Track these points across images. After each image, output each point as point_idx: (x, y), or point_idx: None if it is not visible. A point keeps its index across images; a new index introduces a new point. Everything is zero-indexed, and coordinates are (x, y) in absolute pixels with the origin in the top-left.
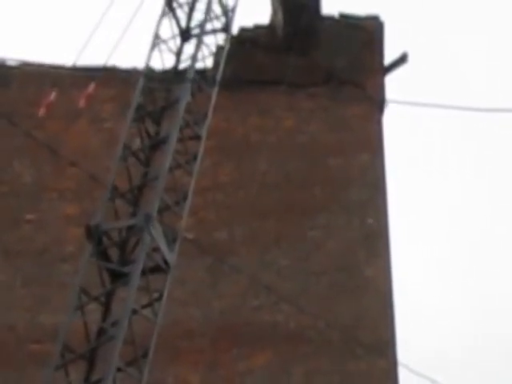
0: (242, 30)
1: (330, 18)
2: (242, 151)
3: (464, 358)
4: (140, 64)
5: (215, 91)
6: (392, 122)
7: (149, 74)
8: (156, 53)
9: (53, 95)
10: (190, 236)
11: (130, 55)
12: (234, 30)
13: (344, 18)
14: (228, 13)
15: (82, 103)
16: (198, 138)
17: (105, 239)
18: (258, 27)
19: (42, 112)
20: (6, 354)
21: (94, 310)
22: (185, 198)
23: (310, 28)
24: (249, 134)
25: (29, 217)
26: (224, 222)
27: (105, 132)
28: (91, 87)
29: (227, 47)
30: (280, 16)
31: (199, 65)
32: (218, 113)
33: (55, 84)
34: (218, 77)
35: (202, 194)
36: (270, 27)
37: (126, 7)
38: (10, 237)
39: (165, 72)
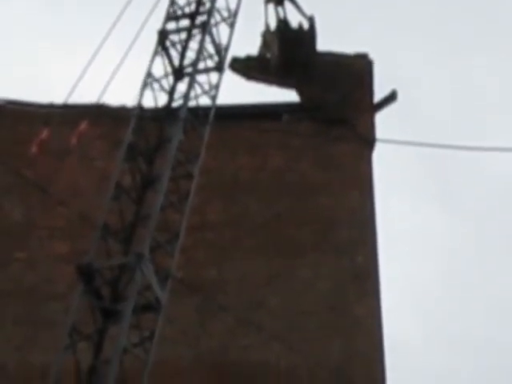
0: (234, 61)
1: (322, 54)
2: (231, 190)
3: None
4: (132, 102)
5: (208, 130)
6: (381, 158)
7: (141, 112)
8: (148, 91)
9: (44, 133)
10: (178, 275)
11: (123, 93)
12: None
13: (334, 55)
14: (221, 52)
15: (73, 141)
16: (190, 176)
17: (97, 277)
18: (249, 58)
19: (34, 150)
20: None
21: (85, 349)
22: (176, 237)
23: (304, 63)
24: (238, 173)
25: (18, 255)
26: (213, 261)
27: (95, 170)
28: (83, 125)
29: (220, 86)
30: (275, 49)
31: (192, 103)
32: (207, 151)
33: (46, 122)
34: (211, 115)
35: (190, 233)
36: (260, 59)
37: (119, 45)
38: None
39: (157, 110)
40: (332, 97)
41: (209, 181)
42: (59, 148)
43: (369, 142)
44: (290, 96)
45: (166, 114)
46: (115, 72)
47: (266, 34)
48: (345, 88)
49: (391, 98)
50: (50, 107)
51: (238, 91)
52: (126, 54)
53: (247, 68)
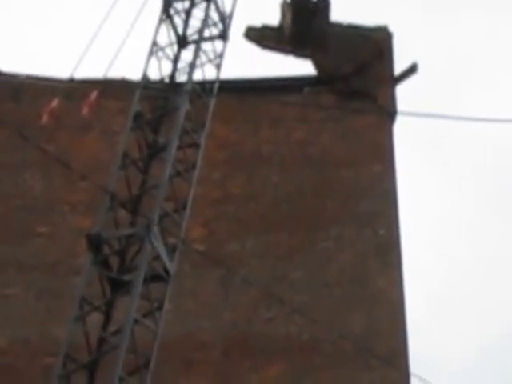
0: (249, 29)
1: (339, 26)
2: (253, 163)
3: (477, 369)
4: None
5: (213, 99)
6: (402, 132)
7: (147, 82)
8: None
9: (55, 102)
10: (201, 248)
11: (131, 64)
12: (242, 29)
13: (352, 27)
14: (225, 20)
15: (85, 111)
16: (196, 146)
17: (106, 248)
18: (265, 27)
19: (44, 119)
20: (20, 367)
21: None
22: (184, 207)
23: (318, 33)
24: (260, 146)
25: (41, 230)
26: (235, 234)
27: (116, 144)
28: (93, 95)
29: (224, 54)
30: (288, 19)
31: (197, 71)
32: (228, 124)
33: (66, 97)
34: (216, 85)
35: (213, 206)
36: (278, 29)
37: (125, 17)
38: (22, 250)
39: (163, 80)
40: (347, 68)
41: (231, 154)
42: (79, 123)
43: (390, 114)
44: (307, 68)
45: (171, 83)
46: (124, 42)
47: (284, 5)
48: (362, 60)
49: (411, 70)
50: (70, 81)
51: (256, 63)
52: (134, 23)
53: (262, 37)
